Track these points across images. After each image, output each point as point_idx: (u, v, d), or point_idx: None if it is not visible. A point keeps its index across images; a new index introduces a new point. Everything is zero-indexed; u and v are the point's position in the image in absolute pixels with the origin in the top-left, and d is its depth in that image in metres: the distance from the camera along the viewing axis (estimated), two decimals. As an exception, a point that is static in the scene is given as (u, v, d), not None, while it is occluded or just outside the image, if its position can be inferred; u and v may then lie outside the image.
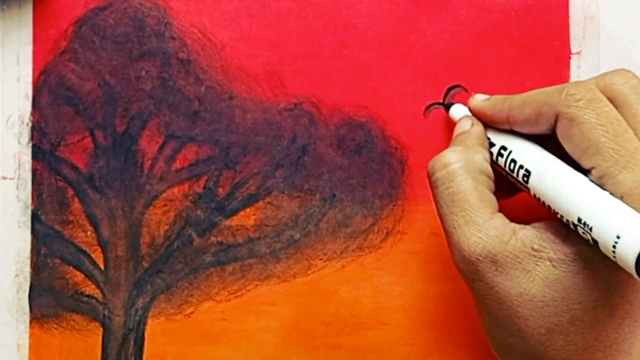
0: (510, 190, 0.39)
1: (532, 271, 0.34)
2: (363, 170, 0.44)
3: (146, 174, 0.44)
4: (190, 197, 0.44)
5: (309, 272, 0.44)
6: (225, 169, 0.44)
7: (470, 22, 0.43)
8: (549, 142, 0.36)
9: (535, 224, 0.35)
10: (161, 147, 0.44)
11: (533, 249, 0.34)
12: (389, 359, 0.43)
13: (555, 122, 0.34)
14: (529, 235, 0.34)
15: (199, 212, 0.44)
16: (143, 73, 0.44)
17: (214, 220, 0.44)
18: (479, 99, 0.40)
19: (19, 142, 0.45)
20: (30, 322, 0.44)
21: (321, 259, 0.43)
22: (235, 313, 0.44)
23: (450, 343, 0.43)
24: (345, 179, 0.44)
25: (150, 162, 0.44)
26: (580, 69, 0.43)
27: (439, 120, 0.43)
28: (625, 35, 0.43)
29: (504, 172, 0.38)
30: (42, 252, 0.44)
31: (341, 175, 0.44)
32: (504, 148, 0.37)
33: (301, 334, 0.43)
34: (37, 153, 0.45)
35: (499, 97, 0.39)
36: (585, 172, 0.34)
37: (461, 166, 0.36)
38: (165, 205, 0.44)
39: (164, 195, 0.44)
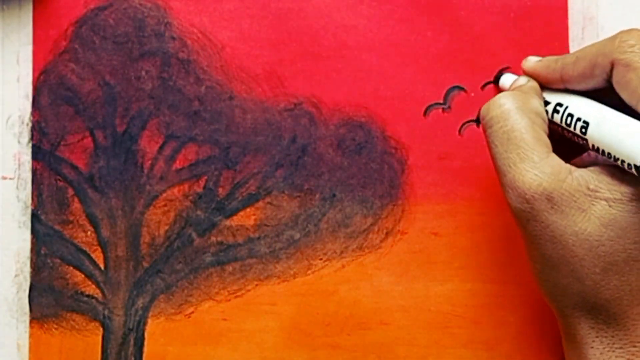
0: (563, 155, 0.39)
1: (588, 210, 0.34)
2: (363, 170, 0.44)
3: (146, 174, 0.44)
4: (190, 197, 0.44)
5: (309, 272, 0.44)
6: (225, 169, 0.44)
7: (470, 22, 0.43)
8: (603, 98, 0.36)
9: (590, 168, 0.35)
10: (161, 147, 0.44)
11: (589, 188, 0.34)
12: (389, 359, 0.43)
13: (611, 70, 0.35)
14: (584, 175, 0.34)
15: (199, 212, 0.44)
16: (143, 73, 0.44)
17: (214, 220, 0.44)
18: (532, 61, 0.40)
19: (19, 142, 0.45)
20: (30, 322, 0.44)
21: (321, 259, 0.44)
22: (235, 313, 0.44)
23: (450, 343, 0.43)
24: (345, 179, 0.44)
25: (150, 162, 0.44)
26: (579, 70, 0.43)
27: (439, 120, 0.43)
28: (624, 35, 0.43)
29: (559, 129, 0.38)
30: (42, 252, 0.44)
31: (341, 175, 0.44)
32: (559, 104, 0.37)
33: (301, 334, 0.43)
34: (37, 153, 0.45)
35: (551, 58, 0.39)
36: None
37: (517, 106, 0.36)
38: (165, 205, 0.44)
39: (164, 195, 0.44)
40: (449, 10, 0.43)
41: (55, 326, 0.44)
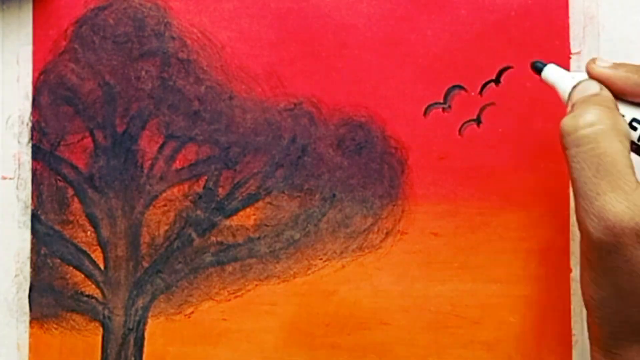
0: None
1: None
2: (363, 170, 0.44)
3: (146, 174, 0.44)
4: (190, 197, 0.44)
5: (309, 272, 0.44)
6: (225, 169, 0.44)
7: (470, 22, 0.43)
8: None
9: None
10: (161, 147, 0.44)
11: None
12: (389, 359, 0.43)
13: None
14: None
15: (199, 212, 0.44)
16: (143, 73, 0.44)
17: (214, 220, 0.44)
18: (603, 65, 0.37)
19: (19, 142, 0.45)
20: (30, 322, 0.44)
21: (321, 259, 0.43)
22: (235, 313, 0.44)
23: (450, 343, 0.43)
24: (345, 179, 0.44)
25: (150, 162, 0.44)
26: (580, 69, 0.43)
27: (438, 120, 0.43)
28: (625, 35, 0.43)
29: (634, 147, 0.36)
30: (42, 252, 0.44)
31: (341, 175, 0.44)
32: (636, 120, 0.35)
33: (301, 334, 0.43)
34: (37, 153, 0.45)
35: (630, 66, 0.36)
36: None
37: (609, 127, 0.34)
38: (165, 205, 0.44)
39: (164, 195, 0.44)
40: (449, 9, 0.43)
41: (55, 326, 0.44)
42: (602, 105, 0.35)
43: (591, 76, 0.37)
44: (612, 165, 0.33)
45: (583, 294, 0.36)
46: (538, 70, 0.38)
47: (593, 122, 0.34)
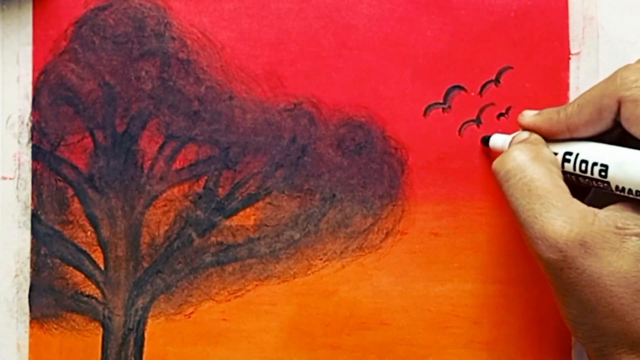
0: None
1: (620, 248, 0.33)
2: (363, 170, 0.44)
3: (146, 174, 0.44)
4: (190, 197, 0.44)
5: (309, 272, 0.44)
6: (225, 169, 0.44)
7: (470, 22, 0.43)
8: (603, 139, 0.36)
9: (611, 207, 0.35)
10: (161, 147, 0.44)
11: (617, 227, 0.34)
12: (389, 359, 0.43)
13: (618, 109, 0.35)
14: (610, 215, 0.34)
15: (199, 212, 0.44)
16: (143, 73, 0.44)
17: (214, 221, 0.44)
18: (529, 115, 0.39)
19: (19, 142, 0.45)
20: (30, 322, 0.44)
21: (321, 259, 0.43)
22: (235, 313, 0.44)
23: (450, 343, 0.43)
24: (345, 179, 0.44)
25: (150, 162, 0.44)
26: (579, 70, 0.43)
27: (438, 120, 0.43)
28: (624, 36, 0.43)
29: (572, 178, 0.37)
30: (42, 252, 0.44)
31: (341, 175, 0.44)
32: (568, 153, 0.37)
33: (301, 334, 0.43)
34: (37, 153, 0.45)
35: (550, 110, 0.38)
36: None
37: (532, 157, 0.36)
38: (165, 205, 0.44)
39: (164, 195, 0.44)
40: (449, 10, 0.43)
41: (55, 326, 0.44)
42: (526, 143, 0.38)
43: (522, 126, 0.40)
44: (542, 189, 0.35)
45: (562, 318, 0.37)
46: (485, 143, 0.42)
47: (516, 156, 0.36)
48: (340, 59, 0.44)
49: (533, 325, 0.42)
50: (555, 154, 0.38)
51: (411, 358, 0.43)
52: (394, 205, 0.43)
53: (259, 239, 0.44)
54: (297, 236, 0.44)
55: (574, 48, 0.43)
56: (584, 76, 0.43)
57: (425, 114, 0.43)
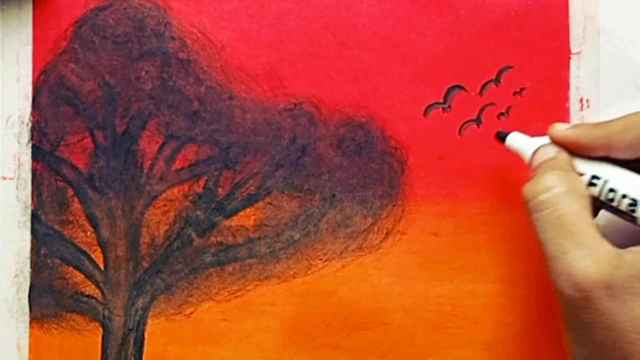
0: None
1: None
2: (363, 170, 0.44)
3: (146, 174, 0.44)
4: (190, 197, 0.44)
5: (309, 272, 0.44)
6: (225, 169, 0.44)
7: (470, 22, 0.43)
8: (630, 165, 0.36)
9: (636, 249, 0.34)
10: (161, 147, 0.44)
11: None
12: (389, 359, 0.43)
13: None
14: (637, 259, 0.33)
15: (198, 212, 0.44)
16: (143, 73, 0.44)
17: (214, 221, 0.44)
18: (562, 128, 0.38)
19: (19, 142, 0.45)
20: (30, 322, 0.44)
21: (321, 259, 0.43)
22: (235, 313, 0.44)
23: (450, 343, 0.43)
24: (345, 179, 0.44)
25: (150, 162, 0.44)
26: (579, 69, 0.43)
27: (438, 120, 0.43)
28: (625, 35, 0.43)
29: (596, 203, 0.37)
30: (42, 252, 0.44)
31: (341, 175, 0.44)
32: (595, 177, 0.36)
33: (301, 334, 0.43)
34: (37, 153, 0.45)
35: (590, 124, 0.37)
36: None
37: (566, 189, 0.35)
38: (165, 205, 0.44)
39: (164, 195, 0.44)
40: (449, 10, 0.43)
41: (55, 326, 0.44)
42: (558, 169, 0.36)
43: (553, 140, 0.38)
44: (573, 225, 0.34)
45: (568, 354, 0.36)
46: (502, 139, 0.40)
47: (550, 186, 0.35)
48: (340, 59, 0.44)
49: (533, 325, 0.42)
50: (581, 174, 0.37)
51: (411, 358, 0.43)
52: (394, 205, 0.43)
53: (259, 239, 0.44)
54: (297, 236, 0.44)
55: (574, 47, 0.43)
56: (585, 76, 0.42)
57: (425, 113, 0.43)
